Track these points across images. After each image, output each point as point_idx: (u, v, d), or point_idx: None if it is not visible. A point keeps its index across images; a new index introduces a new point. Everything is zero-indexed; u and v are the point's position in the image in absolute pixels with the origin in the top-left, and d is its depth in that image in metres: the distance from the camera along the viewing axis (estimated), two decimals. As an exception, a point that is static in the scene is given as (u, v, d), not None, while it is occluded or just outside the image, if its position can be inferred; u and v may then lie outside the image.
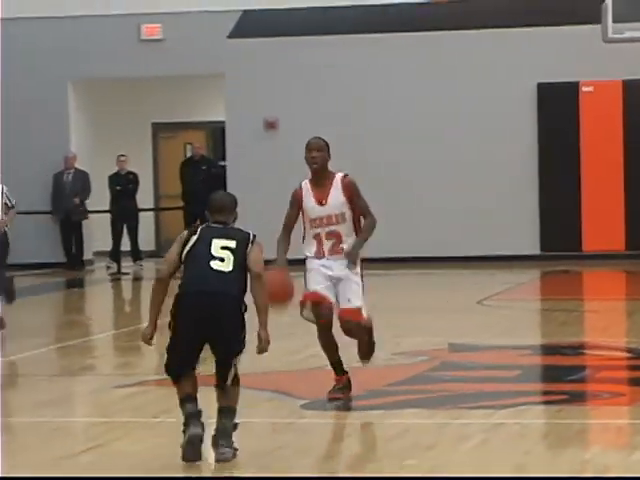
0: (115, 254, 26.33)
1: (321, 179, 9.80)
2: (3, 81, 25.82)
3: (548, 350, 15.15)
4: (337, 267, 9.55)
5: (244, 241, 7.82)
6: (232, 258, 7.74)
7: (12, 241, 18.90)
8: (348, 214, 9.46)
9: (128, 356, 15.53)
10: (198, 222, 8.80)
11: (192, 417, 7.46)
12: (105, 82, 27.59)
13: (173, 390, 8.45)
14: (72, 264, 26.62)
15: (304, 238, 9.66)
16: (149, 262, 26.67)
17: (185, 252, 7.74)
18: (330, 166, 11.16)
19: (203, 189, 24.42)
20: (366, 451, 9.11)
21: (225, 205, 8.16)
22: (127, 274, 26.24)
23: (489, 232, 25.35)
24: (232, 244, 7.87)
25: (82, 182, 26.96)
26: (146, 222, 27.76)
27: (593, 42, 22.65)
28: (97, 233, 27.66)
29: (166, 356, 7.74)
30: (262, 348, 7.66)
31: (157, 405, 11.07)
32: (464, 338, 15.14)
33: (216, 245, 7.85)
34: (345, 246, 9.42)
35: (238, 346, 7.71)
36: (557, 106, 25.59)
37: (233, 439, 7.59)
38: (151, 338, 7.77)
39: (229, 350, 7.70)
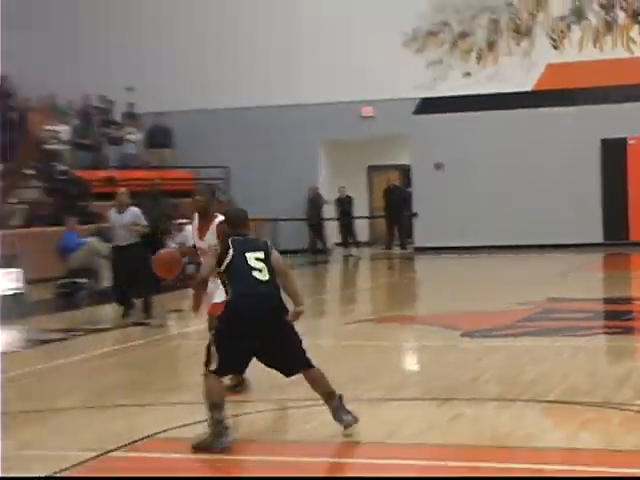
0: (344, 243, 31.85)
1: (202, 219, 10.88)
2: (272, 140, 30.94)
3: (611, 301, 19.40)
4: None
5: (267, 249, 8.82)
6: (266, 267, 8.64)
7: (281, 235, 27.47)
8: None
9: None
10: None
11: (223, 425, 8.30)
12: (339, 142, 32.04)
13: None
14: (316, 250, 31.80)
15: None
16: (364, 248, 32.14)
17: (225, 265, 8.65)
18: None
19: (396, 206, 31.43)
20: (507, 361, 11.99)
21: (245, 219, 9.15)
22: (353, 256, 30.89)
23: (567, 225, 29.43)
24: (262, 255, 8.73)
25: (320, 200, 31.83)
26: (364, 225, 33.28)
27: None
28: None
29: (217, 356, 8.43)
30: (296, 318, 8.97)
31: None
32: (557, 294, 19.07)
33: (250, 257, 8.65)
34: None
35: (299, 340, 8.82)
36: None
37: (347, 408, 8.45)
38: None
39: (295, 345, 8.78)
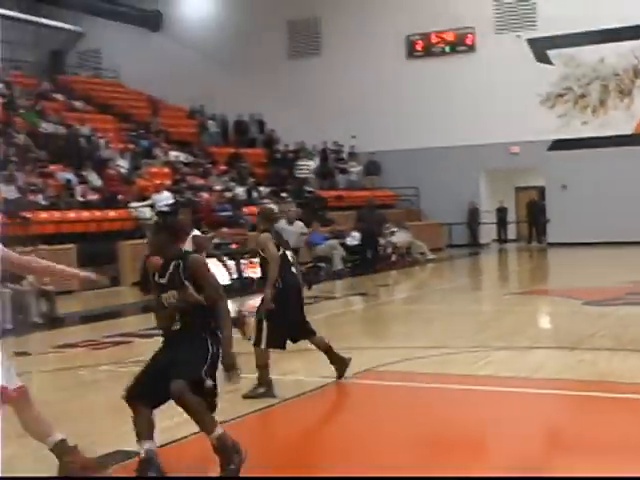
0: (499, 239, 31.39)
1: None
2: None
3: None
4: None
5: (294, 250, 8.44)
6: (295, 264, 8.12)
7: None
8: None
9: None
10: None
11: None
12: (495, 170, 30.69)
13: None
14: (474, 244, 30.65)
15: None
16: (512, 243, 31.52)
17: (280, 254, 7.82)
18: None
19: (535, 214, 30.88)
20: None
21: (273, 215, 8.56)
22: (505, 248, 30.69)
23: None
24: (292, 253, 8.19)
25: (476, 211, 30.99)
26: (512, 227, 32.29)
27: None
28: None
29: (265, 325, 7.69)
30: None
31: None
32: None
33: (288, 255, 8.00)
34: None
35: None
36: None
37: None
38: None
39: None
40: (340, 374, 8.22)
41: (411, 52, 31.98)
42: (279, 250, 7.89)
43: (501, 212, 32.02)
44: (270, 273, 7.86)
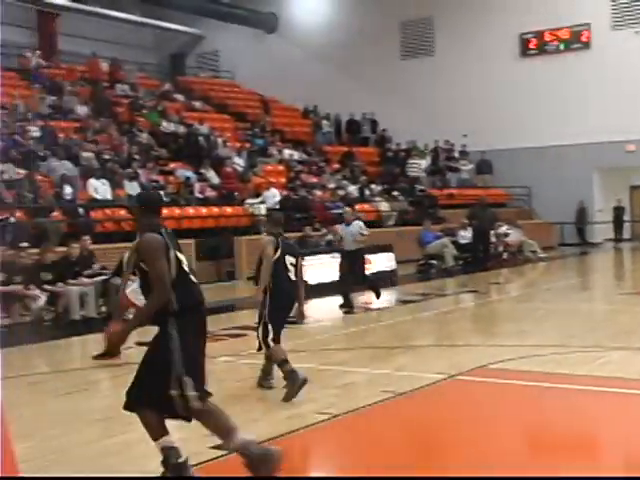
0: (616, 238, 30.44)
1: None
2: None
3: None
4: None
5: (298, 257, 8.10)
6: (293, 271, 7.97)
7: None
8: None
9: None
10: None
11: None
12: (609, 169, 29.70)
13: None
14: (583, 244, 29.94)
15: None
16: (626, 242, 30.52)
17: (275, 258, 7.85)
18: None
19: None
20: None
21: (282, 220, 8.30)
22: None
23: None
24: (294, 260, 8.02)
25: (584, 211, 30.18)
26: (627, 226, 31.25)
27: None
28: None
29: (270, 327, 7.78)
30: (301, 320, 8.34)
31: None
32: None
33: (287, 260, 7.94)
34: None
35: None
36: None
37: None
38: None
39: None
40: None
41: (524, 50, 31.53)
42: (278, 255, 7.90)
43: (618, 210, 31.12)
44: (262, 274, 7.95)
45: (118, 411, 7.15)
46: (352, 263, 14.52)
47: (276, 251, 7.90)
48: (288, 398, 7.45)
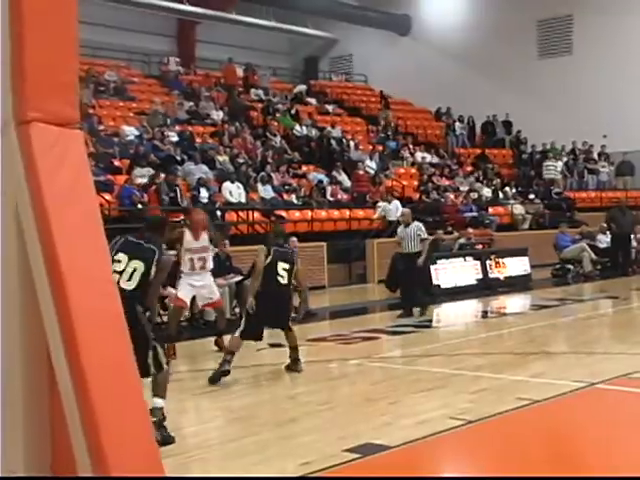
0: None
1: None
2: None
3: None
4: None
5: (294, 263, 9.05)
6: (287, 276, 8.87)
7: None
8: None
9: None
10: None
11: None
12: None
13: None
14: None
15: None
16: None
17: (266, 264, 8.83)
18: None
19: None
20: None
21: (284, 232, 9.56)
22: None
23: None
24: (287, 267, 8.92)
25: None
26: None
27: None
28: None
29: (244, 327, 8.70)
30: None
31: None
32: None
33: (280, 266, 8.85)
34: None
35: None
36: None
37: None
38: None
39: (287, 323, 9.03)
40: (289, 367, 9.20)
41: (670, 50, 30.34)
42: (269, 261, 8.83)
43: None
44: (252, 279, 9.18)
45: (254, 411, 7.37)
46: (410, 267, 14.04)
47: (267, 258, 8.79)
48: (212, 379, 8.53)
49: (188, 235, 10.09)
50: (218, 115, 24.94)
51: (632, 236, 21.80)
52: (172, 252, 9.84)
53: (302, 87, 30.92)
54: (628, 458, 5.90)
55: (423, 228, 14.27)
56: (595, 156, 31.06)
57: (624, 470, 5.55)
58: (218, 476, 5.66)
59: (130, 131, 21.30)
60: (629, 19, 30.30)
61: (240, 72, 28.92)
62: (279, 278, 8.81)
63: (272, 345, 10.35)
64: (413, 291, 14.26)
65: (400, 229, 14.50)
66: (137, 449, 3.89)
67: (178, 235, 10.01)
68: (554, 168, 28.64)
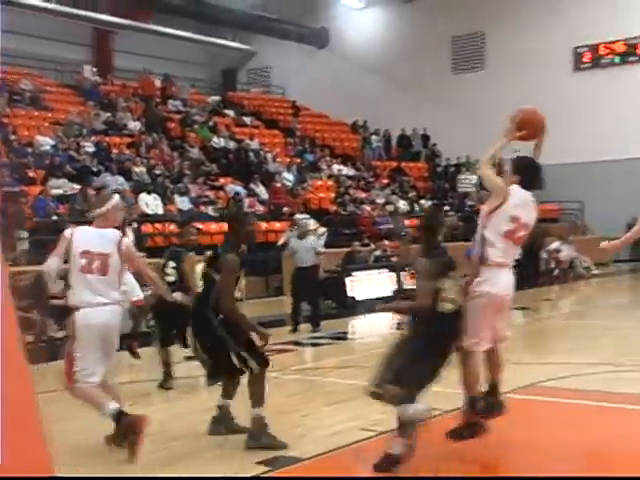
0: None
1: None
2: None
3: None
4: None
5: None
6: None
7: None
8: None
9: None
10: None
11: None
12: None
13: None
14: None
15: None
16: None
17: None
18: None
19: None
20: None
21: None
22: None
23: None
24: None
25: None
26: None
27: None
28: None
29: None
30: None
31: None
32: None
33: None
34: None
35: None
36: None
37: None
38: None
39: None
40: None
41: (578, 65, 31.30)
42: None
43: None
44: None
45: (166, 425, 7.21)
46: (305, 281, 13.89)
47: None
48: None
49: None
50: (135, 126, 24.71)
51: (542, 248, 22.24)
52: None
53: (216, 98, 30.78)
54: (536, 465, 5.95)
55: (321, 242, 14.09)
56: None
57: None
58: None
59: (45, 141, 21.00)
60: (539, 34, 30.96)
61: (158, 83, 28.76)
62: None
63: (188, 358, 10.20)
64: (300, 307, 14.21)
65: (293, 241, 14.27)
66: (27, 451, 3.89)
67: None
68: (468, 181, 29.07)
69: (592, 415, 7.51)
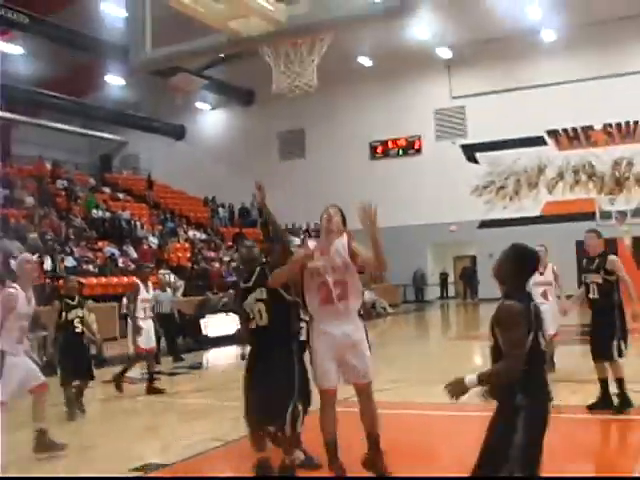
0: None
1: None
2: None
3: None
4: None
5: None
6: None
7: None
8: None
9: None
10: None
11: None
12: (439, 244, 30.31)
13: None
14: (419, 301, 30.56)
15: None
16: (451, 300, 32.48)
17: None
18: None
19: (469, 277, 30.42)
20: None
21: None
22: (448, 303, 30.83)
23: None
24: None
25: (421, 275, 30.99)
26: (451, 286, 31.99)
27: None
28: None
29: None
30: None
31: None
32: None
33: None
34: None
35: None
36: None
37: None
38: None
39: None
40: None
41: (373, 154, 32.29)
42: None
43: (443, 276, 31.97)
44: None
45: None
46: (168, 325, 13.73)
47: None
48: None
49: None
50: (30, 200, 23.82)
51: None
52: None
53: (92, 180, 30.11)
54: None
55: (178, 294, 13.96)
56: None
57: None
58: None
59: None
60: (345, 130, 31.88)
61: (49, 166, 27.83)
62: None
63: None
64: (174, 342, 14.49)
65: (158, 292, 13.99)
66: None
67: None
68: (291, 242, 29.18)
69: (413, 420, 7.44)
